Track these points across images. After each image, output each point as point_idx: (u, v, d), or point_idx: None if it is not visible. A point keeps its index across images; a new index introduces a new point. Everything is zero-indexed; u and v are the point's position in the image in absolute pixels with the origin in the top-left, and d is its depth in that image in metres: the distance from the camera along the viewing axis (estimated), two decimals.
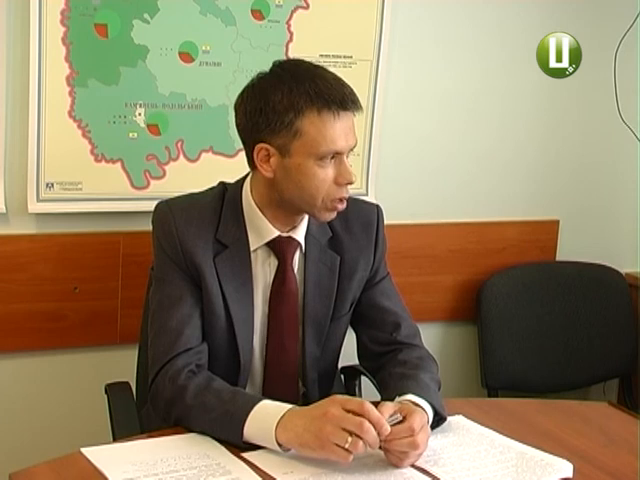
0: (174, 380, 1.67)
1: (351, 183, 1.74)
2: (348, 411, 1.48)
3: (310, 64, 1.77)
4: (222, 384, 1.66)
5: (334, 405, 1.49)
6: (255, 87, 1.74)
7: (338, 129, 1.69)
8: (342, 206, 1.77)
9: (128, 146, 2.26)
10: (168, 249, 1.78)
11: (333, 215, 1.79)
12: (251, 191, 1.82)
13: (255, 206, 1.80)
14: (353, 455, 1.46)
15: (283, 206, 1.78)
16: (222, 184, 1.88)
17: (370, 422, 1.46)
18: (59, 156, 2.19)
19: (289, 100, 1.68)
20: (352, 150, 1.76)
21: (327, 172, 1.71)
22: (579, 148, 2.89)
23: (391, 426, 1.49)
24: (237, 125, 1.79)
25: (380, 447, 1.51)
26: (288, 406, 1.56)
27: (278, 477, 1.47)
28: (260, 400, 1.58)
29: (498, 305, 2.75)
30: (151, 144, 2.29)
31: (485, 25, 2.66)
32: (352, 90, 1.73)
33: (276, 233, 1.81)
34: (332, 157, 1.71)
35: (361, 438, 1.46)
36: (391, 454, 1.52)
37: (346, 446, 1.45)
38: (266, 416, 1.54)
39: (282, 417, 1.52)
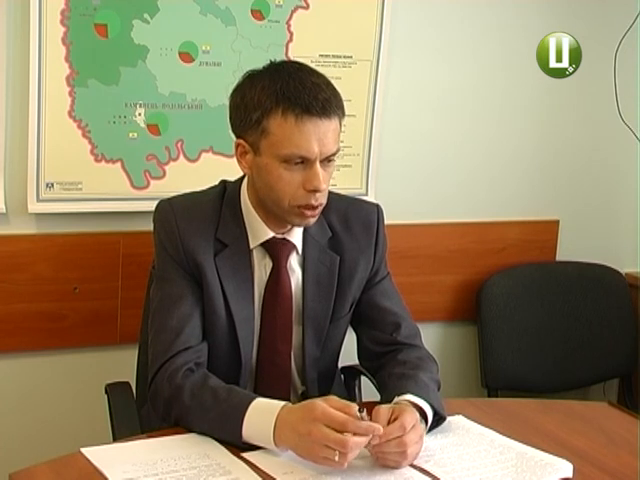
0: (172, 379, 1.66)
1: (318, 191, 1.68)
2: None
3: (300, 66, 1.74)
4: (217, 382, 1.66)
5: (316, 425, 1.46)
6: (240, 83, 1.76)
7: (305, 133, 1.64)
8: (311, 213, 1.72)
9: (128, 146, 2.26)
10: (170, 248, 1.78)
11: (306, 221, 1.75)
12: (247, 190, 1.82)
13: (250, 205, 1.80)
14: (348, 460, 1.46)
15: (265, 207, 1.77)
16: (223, 182, 1.88)
17: (358, 434, 1.45)
18: (59, 156, 2.19)
19: (259, 98, 1.67)
20: (331, 157, 1.70)
21: (293, 176, 1.68)
22: (579, 148, 2.89)
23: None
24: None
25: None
26: (279, 407, 1.54)
27: (278, 477, 1.47)
28: (253, 399, 1.57)
29: (498, 305, 2.74)
30: (151, 144, 2.29)
31: (485, 25, 2.65)
32: (331, 97, 1.67)
33: (270, 234, 1.80)
34: (301, 162, 1.67)
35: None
36: (383, 458, 1.51)
37: (335, 459, 1.45)
38: (262, 423, 1.53)
39: (276, 425, 1.51)
